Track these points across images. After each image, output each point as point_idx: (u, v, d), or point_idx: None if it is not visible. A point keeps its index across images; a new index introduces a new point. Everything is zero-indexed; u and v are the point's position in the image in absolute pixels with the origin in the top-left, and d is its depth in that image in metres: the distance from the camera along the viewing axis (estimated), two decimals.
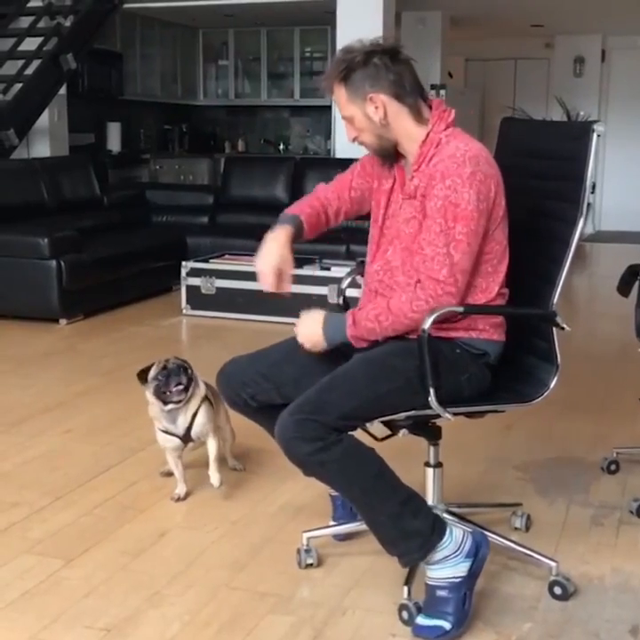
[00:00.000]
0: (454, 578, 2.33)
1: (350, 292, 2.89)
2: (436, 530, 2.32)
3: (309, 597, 2.56)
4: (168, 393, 3.07)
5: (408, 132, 2.39)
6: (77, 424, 4.02)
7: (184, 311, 6.32)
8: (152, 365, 3.13)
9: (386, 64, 2.33)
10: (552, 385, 2.46)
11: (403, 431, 2.49)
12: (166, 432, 3.15)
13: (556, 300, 2.44)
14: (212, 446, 3.17)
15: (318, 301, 4.84)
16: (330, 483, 2.40)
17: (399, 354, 2.37)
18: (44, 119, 8.10)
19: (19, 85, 7.54)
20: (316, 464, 2.26)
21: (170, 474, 3.27)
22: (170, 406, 3.10)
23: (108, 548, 2.84)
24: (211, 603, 2.52)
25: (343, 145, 7.59)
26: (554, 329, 2.44)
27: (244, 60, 11.74)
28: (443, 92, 9.83)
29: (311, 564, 2.70)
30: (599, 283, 8.52)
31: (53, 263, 5.92)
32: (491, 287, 2.42)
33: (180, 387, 3.07)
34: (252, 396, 2.56)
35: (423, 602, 2.37)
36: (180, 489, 3.21)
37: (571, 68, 12.04)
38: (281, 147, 11.89)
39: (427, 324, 2.28)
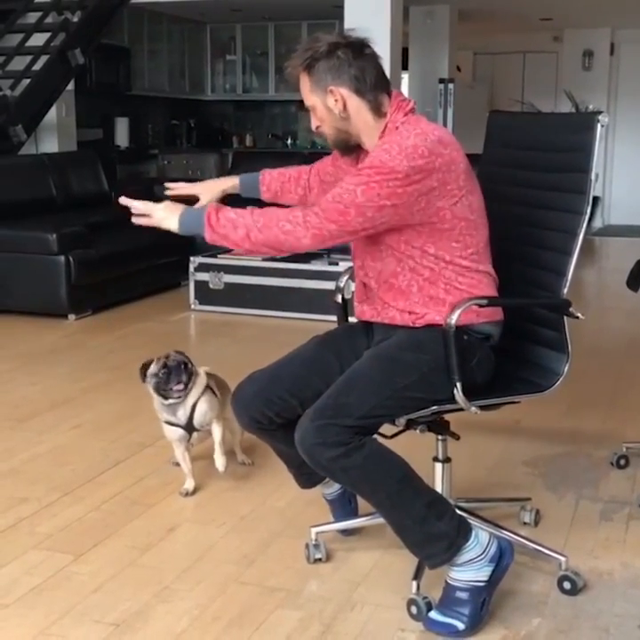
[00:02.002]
0: (476, 582, 2.32)
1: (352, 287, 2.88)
2: (462, 532, 2.31)
3: (318, 592, 2.56)
4: (168, 390, 3.10)
5: (368, 125, 2.39)
6: (86, 420, 4.03)
7: (192, 306, 6.32)
8: (152, 361, 3.14)
9: (348, 58, 2.33)
10: (564, 372, 2.46)
11: (420, 427, 2.49)
12: (170, 423, 3.17)
13: (565, 291, 2.44)
14: (216, 431, 3.19)
15: (322, 296, 4.83)
16: (354, 488, 2.38)
17: (408, 348, 2.36)
18: (51, 115, 8.10)
19: (26, 81, 7.54)
20: (338, 470, 2.24)
21: (179, 464, 3.28)
22: (170, 401, 3.13)
23: (116, 543, 2.84)
24: (220, 597, 2.52)
25: None
26: (565, 318, 2.44)
27: (252, 55, 11.73)
28: (451, 85, 9.82)
29: (320, 559, 2.71)
30: (608, 277, 8.49)
31: (62, 259, 5.93)
32: (457, 261, 2.36)
33: (181, 385, 3.10)
34: (277, 413, 2.48)
35: (439, 598, 2.37)
36: (189, 484, 3.21)
37: (579, 61, 11.99)
38: (289, 141, 11.88)
39: (453, 319, 2.27)
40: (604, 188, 12.03)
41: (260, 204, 2.50)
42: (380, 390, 2.29)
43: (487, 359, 2.44)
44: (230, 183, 2.81)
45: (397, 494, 2.28)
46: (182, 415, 3.15)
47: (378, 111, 2.38)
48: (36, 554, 2.77)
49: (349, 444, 2.21)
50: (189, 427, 3.16)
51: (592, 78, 11.91)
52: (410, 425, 2.47)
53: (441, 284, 2.38)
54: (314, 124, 2.46)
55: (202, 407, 3.15)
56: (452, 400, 2.33)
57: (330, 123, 2.41)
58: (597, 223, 11.66)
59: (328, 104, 2.37)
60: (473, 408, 2.36)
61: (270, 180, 2.81)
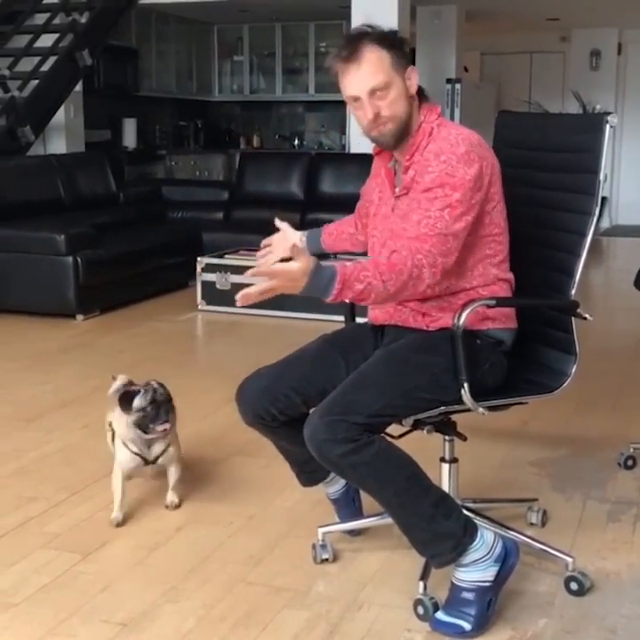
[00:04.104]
0: (482, 582, 2.32)
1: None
2: (468, 531, 2.31)
3: (325, 592, 2.56)
4: (152, 429, 2.91)
5: (412, 117, 2.39)
6: (94, 419, 4.02)
7: (199, 307, 6.33)
8: (135, 390, 2.92)
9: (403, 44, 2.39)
10: (572, 373, 2.46)
11: (428, 428, 2.49)
12: (136, 453, 2.97)
13: (574, 292, 2.44)
14: (173, 474, 3.06)
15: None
16: (362, 485, 2.37)
17: (421, 349, 2.37)
18: (60, 116, 8.13)
19: (35, 82, 7.57)
20: (347, 466, 2.24)
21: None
22: (151, 436, 2.94)
23: (124, 543, 2.85)
24: (226, 597, 2.52)
25: (357, 140, 7.57)
26: (573, 319, 2.44)
27: (259, 56, 11.74)
28: (458, 86, 9.81)
29: (327, 559, 2.71)
30: (616, 277, 8.48)
31: (70, 259, 5.94)
32: (488, 270, 2.40)
33: (167, 425, 2.91)
34: (281, 410, 2.48)
35: (446, 599, 2.37)
36: (117, 513, 2.96)
37: (587, 61, 11.97)
38: (296, 142, 11.89)
39: (461, 320, 2.27)
40: (612, 188, 12.01)
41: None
42: (391, 390, 2.30)
43: (499, 364, 2.45)
44: (290, 241, 2.70)
45: (405, 492, 2.28)
46: (156, 451, 2.98)
47: (417, 104, 2.40)
48: (44, 553, 2.77)
49: (358, 440, 2.21)
50: (153, 461, 3.01)
51: (599, 78, 11.90)
52: (417, 425, 2.48)
53: (462, 294, 2.40)
54: (372, 110, 2.32)
55: (173, 448, 3.02)
56: (461, 401, 2.34)
57: (400, 106, 2.34)
58: (605, 223, 11.63)
59: (407, 83, 2.36)
60: (480, 409, 2.36)
61: (332, 226, 2.84)
